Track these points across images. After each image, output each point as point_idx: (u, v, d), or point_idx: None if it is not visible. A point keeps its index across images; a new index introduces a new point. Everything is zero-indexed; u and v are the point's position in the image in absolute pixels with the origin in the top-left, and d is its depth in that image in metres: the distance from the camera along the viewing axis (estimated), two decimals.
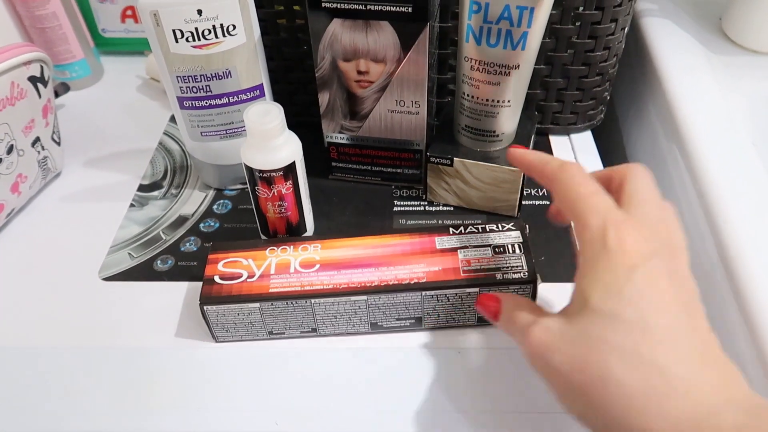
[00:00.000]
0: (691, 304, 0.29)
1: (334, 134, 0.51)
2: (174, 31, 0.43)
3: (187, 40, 0.44)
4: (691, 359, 0.27)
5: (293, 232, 0.47)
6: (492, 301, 0.36)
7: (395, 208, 0.52)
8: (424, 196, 0.53)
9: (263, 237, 0.48)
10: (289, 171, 0.43)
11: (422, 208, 0.52)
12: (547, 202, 0.52)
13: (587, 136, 0.59)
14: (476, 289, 0.40)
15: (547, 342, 0.30)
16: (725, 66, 0.57)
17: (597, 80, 0.54)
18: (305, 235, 0.48)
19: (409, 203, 0.52)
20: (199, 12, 0.43)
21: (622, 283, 0.28)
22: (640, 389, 0.26)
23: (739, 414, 0.25)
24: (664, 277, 0.28)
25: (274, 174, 0.42)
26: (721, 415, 0.25)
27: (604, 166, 0.56)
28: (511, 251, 0.41)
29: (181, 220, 0.52)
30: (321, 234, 0.50)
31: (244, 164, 0.43)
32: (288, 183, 0.43)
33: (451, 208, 0.52)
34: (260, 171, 0.42)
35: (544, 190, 0.53)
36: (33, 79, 0.50)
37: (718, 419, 0.25)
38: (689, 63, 0.57)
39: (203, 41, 0.44)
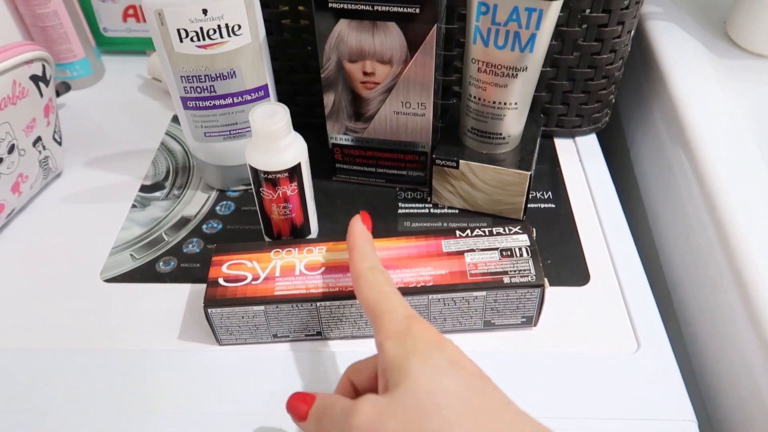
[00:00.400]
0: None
1: (338, 135, 0.51)
2: (179, 30, 0.43)
3: (191, 39, 0.43)
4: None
5: (297, 234, 0.46)
6: (301, 402, 0.33)
7: (400, 210, 0.52)
8: (428, 199, 0.52)
9: (267, 239, 0.47)
10: (294, 172, 0.42)
11: (427, 211, 0.51)
12: (553, 206, 0.52)
13: (592, 138, 0.59)
14: (483, 293, 0.39)
15: (376, 412, 0.28)
16: (729, 69, 0.57)
17: (603, 83, 0.53)
18: (309, 237, 0.47)
19: (413, 205, 0.52)
20: (204, 11, 0.42)
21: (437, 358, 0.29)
22: None
23: None
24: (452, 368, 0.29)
25: (280, 175, 0.42)
26: None
27: (609, 168, 0.56)
28: (518, 255, 0.41)
29: (184, 222, 0.51)
30: (325, 236, 0.49)
31: (249, 165, 0.42)
32: (293, 185, 0.43)
33: (456, 211, 0.51)
34: (265, 172, 0.42)
35: (550, 193, 0.53)
36: (35, 78, 0.49)
37: None
38: (694, 66, 0.57)
39: (208, 41, 0.44)
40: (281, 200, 0.43)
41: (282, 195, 0.43)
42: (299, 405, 0.32)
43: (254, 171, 0.42)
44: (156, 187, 0.55)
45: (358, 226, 0.38)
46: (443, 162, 0.48)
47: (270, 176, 0.42)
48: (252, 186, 0.44)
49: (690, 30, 0.61)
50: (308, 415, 0.31)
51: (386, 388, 0.29)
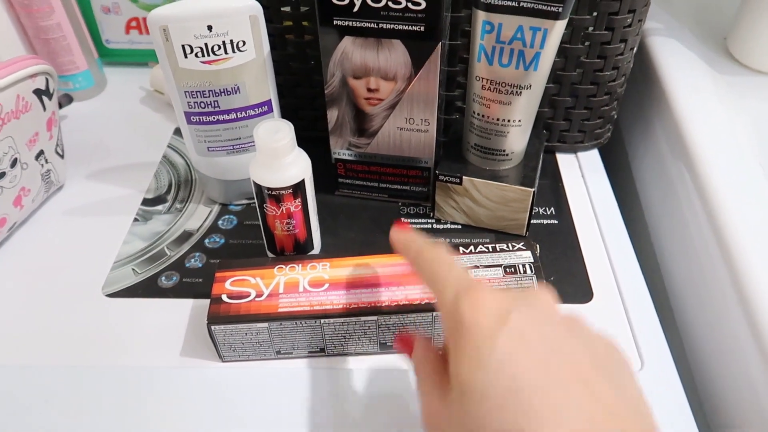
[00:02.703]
0: (574, 352, 0.25)
1: (341, 151, 0.51)
2: (183, 46, 0.43)
3: (196, 55, 0.44)
4: (585, 412, 0.23)
5: (300, 250, 0.46)
6: (406, 341, 0.33)
7: None
8: (431, 214, 0.52)
9: (270, 254, 0.47)
10: (298, 189, 0.42)
11: (430, 226, 0.51)
12: (555, 221, 0.52)
13: (594, 154, 0.59)
14: None
15: (434, 424, 0.27)
16: (730, 86, 0.58)
17: (605, 99, 0.54)
18: (312, 252, 0.47)
19: (416, 221, 0.52)
20: (209, 28, 0.43)
21: (486, 353, 0.24)
22: None
23: None
24: (531, 329, 0.25)
25: (283, 192, 0.42)
26: None
27: (611, 184, 0.56)
28: (522, 272, 0.41)
29: (186, 236, 0.51)
30: (327, 251, 0.49)
31: (253, 181, 0.42)
32: (297, 201, 0.43)
33: (459, 226, 0.51)
34: (269, 189, 0.42)
35: (553, 209, 0.53)
36: (38, 92, 0.49)
37: None
38: (695, 82, 0.57)
39: (212, 57, 0.44)
40: (285, 216, 0.43)
41: (285, 211, 0.43)
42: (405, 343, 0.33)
43: (258, 187, 0.42)
44: (158, 200, 0.55)
45: (397, 234, 0.34)
46: (446, 178, 0.48)
47: (274, 192, 0.42)
48: (255, 201, 0.44)
49: (691, 46, 0.61)
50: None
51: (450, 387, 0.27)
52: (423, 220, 0.52)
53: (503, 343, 0.24)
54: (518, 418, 0.22)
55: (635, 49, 0.52)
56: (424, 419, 0.28)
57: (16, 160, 0.48)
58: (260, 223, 0.45)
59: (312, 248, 0.47)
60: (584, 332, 0.27)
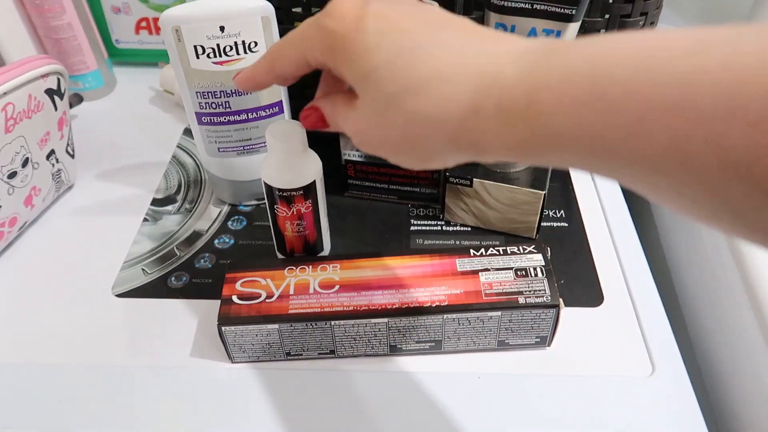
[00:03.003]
0: (433, 13, 0.28)
1: (351, 152, 0.51)
2: (195, 47, 0.43)
3: (208, 56, 0.44)
4: (461, 36, 0.26)
5: (310, 251, 0.46)
6: (313, 112, 0.33)
7: (412, 228, 0.51)
8: (441, 216, 0.52)
9: (279, 255, 0.47)
10: (309, 190, 0.42)
11: (439, 228, 0.51)
12: (566, 224, 0.51)
13: None
14: (498, 313, 0.39)
15: (358, 129, 0.29)
16: None
17: None
18: (321, 254, 0.47)
19: (426, 222, 0.52)
20: (222, 28, 0.43)
21: (361, 38, 0.26)
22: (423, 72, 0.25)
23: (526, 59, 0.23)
24: (391, 9, 0.27)
25: (294, 193, 0.42)
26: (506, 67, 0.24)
27: (622, 187, 0.56)
28: (533, 275, 0.41)
29: (196, 236, 0.51)
30: (337, 252, 0.49)
31: (264, 182, 0.42)
32: (307, 202, 0.43)
33: (469, 229, 0.51)
34: (280, 190, 0.42)
35: (563, 212, 0.53)
36: (50, 92, 0.49)
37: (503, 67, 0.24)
38: None
39: (224, 57, 0.44)
40: (295, 217, 0.43)
41: (296, 212, 0.43)
42: (313, 115, 0.33)
43: (269, 188, 0.42)
44: (168, 200, 0.55)
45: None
46: (457, 180, 0.48)
47: (285, 194, 0.42)
48: (265, 202, 0.44)
49: None
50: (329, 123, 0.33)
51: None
52: (432, 222, 0.52)
53: (371, 22, 0.26)
54: (409, 71, 0.25)
55: None
56: (357, 141, 0.30)
57: (27, 159, 0.48)
58: (270, 223, 0.45)
59: (322, 250, 0.47)
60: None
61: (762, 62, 0.18)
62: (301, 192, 0.42)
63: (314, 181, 0.42)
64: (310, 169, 0.42)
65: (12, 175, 0.47)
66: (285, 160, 0.41)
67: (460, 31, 0.26)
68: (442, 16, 0.27)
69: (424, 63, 0.25)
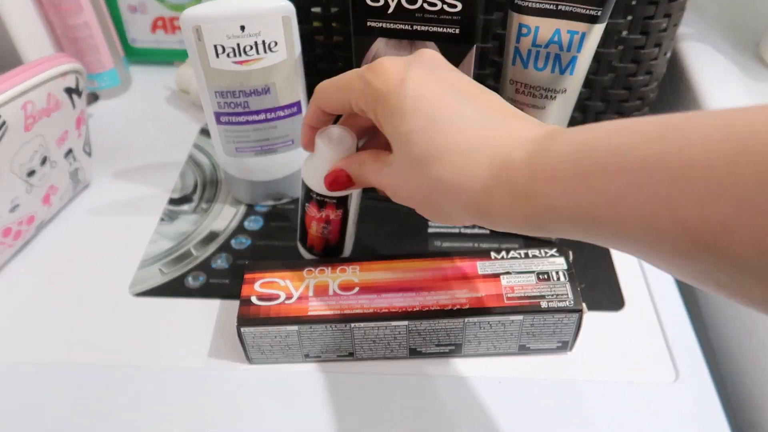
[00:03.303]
0: (465, 83, 0.31)
1: None
2: (215, 46, 0.43)
3: (228, 55, 0.43)
4: (485, 113, 0.30)
5: (329, 252, 0.46)
6: (339, 173, 0.37)
7: (429, 230, 0.51)
8: None
9: (299, 245, 0.47)
10: (343, 202, 0.42)
11: (457, 230, 0.51)
12: None
13: None
14: (520, 317, 0.39)
15: (390, 183, 0.33)
16: (763, 92, 0.57)
17: (637, 104, 0.53)
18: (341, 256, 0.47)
19: (443, 224, 0.51)
20: (242, 28, 0.42)
21: (401, 99, 0.30)
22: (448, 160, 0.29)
23: (533, 142, 0.27)
24: (427, 73, 0.31)
25: (328, 200, 0.41)
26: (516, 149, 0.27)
27: None
28: (555, 279, 0.40)
29: (212, 236, 0.51)
30: (355, 254, 0.49)
31: (302, 180, 0.41)
32: (338, 211, 0.42)
33: (487, 231, 0.51)
34: (316, 193, 0.41)
35: None
36: (68, 91, 0.49)
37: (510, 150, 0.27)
38: (727, 88, 0.56)
39: (244, 57, 0.44)
40: (322, 221, 0.43)
41: (324, 216, 0.42)
42: (341, 177, 0.37)
43: (305, 187, 0.41)
44: (184, 200, 0.55)
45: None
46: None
47: (319, 198, 0.41)
48: (299, 195, 0.43)
49: (723, 51, 0.60)
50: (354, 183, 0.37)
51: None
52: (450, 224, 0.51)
53: (410, 86, 0.30)
54: (436, 139, 0.29)
55: (669, 54, 0.52)
56: (389, 192, 0.34)
57: (45, 158, 0.48)
58: (298, 214, 0.45)
59: (341, 254, 0.46)
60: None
61: (706, 150, 0.20)
62: (335, 201, 0.41)
63: (350, 195, 0.41)
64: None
65: (31, 173, 0.47)
66: (328, 166, 0.39)
67: (487, 107, 0.30)
68: (473, 88, 0.31)
69: (449, 135, 0.29)
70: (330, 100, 0.35)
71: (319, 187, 0.40)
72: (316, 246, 0.45)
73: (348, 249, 0.46)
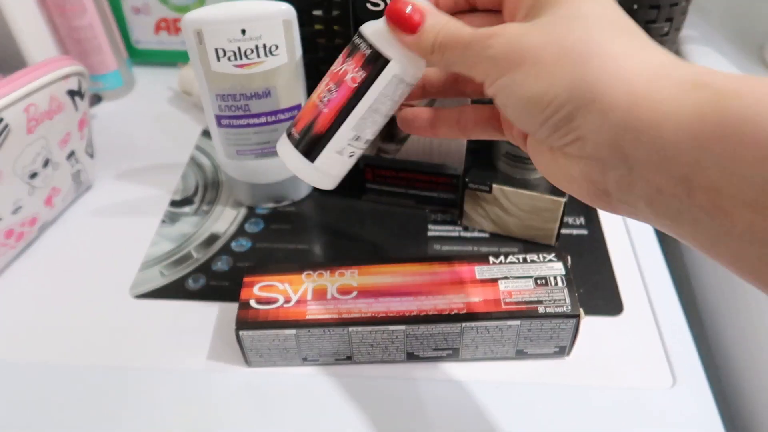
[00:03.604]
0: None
1: (370, 156, 0.51)
2: (216, 49, 0.43)
3: (229, 59, 0.44)
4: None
5: (302, 142, 0.33)
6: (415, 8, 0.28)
7: (429, 233, 0.51)
8: (459, 222, 0.52)
9: (287, 129, 0.34)
10: (375, 61, 0.30)
11: (457, 234, 0.51)
12: (585, 232, 0.51)
13: None
14: (518, 322, 0.39)
15: (520, 31, 0.26)
16: None
17: None
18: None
19: (443, 228, 0.51)
20: (243, 31, 0.42)
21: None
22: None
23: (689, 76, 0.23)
24: None
25: (364, 47, 0.30)
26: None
27: None
28: (553, 284, 0.40)
29: (213, 239, 0.51)
30: (355, 258, 0.49)
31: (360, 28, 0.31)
32: (360, 73, 0.30)
33: (487, 235, 0.51)
34: (361, 36, 0.31)
35: (582, 219, 0.52)
36: (71, 93, 0.50)
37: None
38: None
39: (245, 60, 0.44)
40: (334, 79, 0.31)
41: (341, 73, 0.31)
42: (412, 13, 0.28)
43: (359, 31, 0.31)
44: (185, 202, 0.55)
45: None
46: (476, 186, 0.48)
47: (357, 42, 0.31)
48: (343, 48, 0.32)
49: (727, 55, 0.60)
50: (421, 31, 0.28)
51: (526, 16, 0.27)
52: (450, 227, 0.51)
53: None
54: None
55: None
56: (504, 47, 0.26)
57: (48, 160, 0.49)
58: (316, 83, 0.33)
59: (312, 158, 0.33)
60: None
61: None
62: (369, 52, 0.30)
63: (391, 62, 0.30)
64: (400, 51, 0.30)
65: (33, 175, 0.47)
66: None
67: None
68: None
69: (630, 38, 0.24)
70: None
71: (372, 27, 0.30)
72: (297, 124, 0.33)
73: (325, 169, 0.33)
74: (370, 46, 0.30)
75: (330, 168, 0.34)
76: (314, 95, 0.33)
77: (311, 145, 0.33)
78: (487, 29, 0.26)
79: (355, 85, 0.31)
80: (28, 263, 0.50)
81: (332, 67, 0.32)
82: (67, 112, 0.50)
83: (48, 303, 0.47)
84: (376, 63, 0.30)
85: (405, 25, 0.28)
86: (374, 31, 0.30)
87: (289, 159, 0.34)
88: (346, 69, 0.31)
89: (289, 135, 0.34)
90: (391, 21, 0.29)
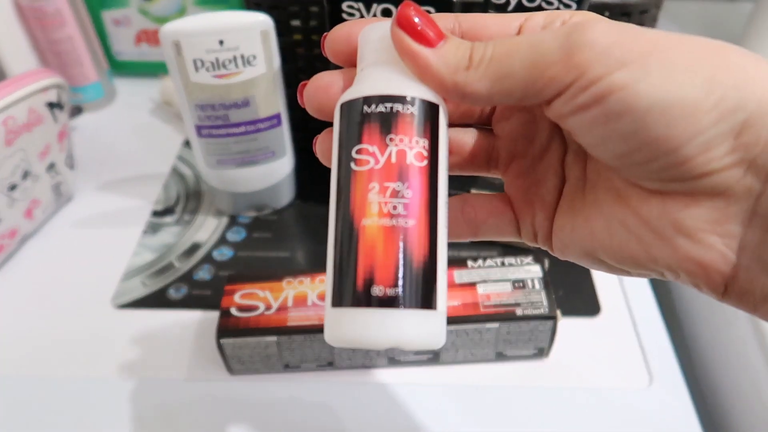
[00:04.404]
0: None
1: None
2: (195, 60, 0.43)
3: (207, 69, 0.44)
4: None
5: (414, 285, 0.19)
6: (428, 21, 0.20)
7: None
8: None
9: (330, 302, 0.20)
10: (430, 117, 0.21)
11: None
12: None
13: None
14: (496, 325, 0.39)
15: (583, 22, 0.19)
16: None
17: None
18: (437, 305, 0.20)
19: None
20: (221, 42, 0.43)
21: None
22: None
23: None
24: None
25: (402, 109, 0.20)
26: None
27: None
28: (531, 286, 0.41)
29: (195, 248, 0.51)
30: None
31: (340, 106, 0.22)
32: (423, 142, 0.21)
33: (465, 240, 0.51)
34: (370, 98, 0.21)
35: None
36: (50, 105, 0.50)
37: None
38: None
39: (223, 71, 0.44)
40: (392, 174, 0.20)
41: (396, 159, 0.20)
42: (431, 26, 0.20)
43: (348, 108, 0.21)
44: (167, 212, 0.55)
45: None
46: (453, 192, 0.48)
47: (380, 109, 0.20)
48: (333, 155, 0.22)
49: None
50: (448, 37, 0.20)
51: None
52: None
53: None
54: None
55: None
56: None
57: (27, 172, 0.49)
58: (331, 206, 0.21)
59: (432, 292, 0.20)
60: None
61: None
62: (419, 111, 0.21)
63: (438, 106, 0.21)
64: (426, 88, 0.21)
65: (12, 187, 0.47)
66: (387, 65, 0.21)
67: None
68: None
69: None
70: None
71: (379, 85, 0.21)
72: (379, 277, 0.19)
73: (443, 291, 0.21)
74: (403, 100, 0.20)
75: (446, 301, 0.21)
76: (368, 220, 0.20)
77: (425, 284, 0.20)
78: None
79: (426, 161, 0.21)
80: (8, 276, 0.50)
81: (357, 167, 0.20)
82: (47, 124, 0.50)
83: (29, 314, 0.47)
84: (427, 117, 0.21)
85: (422, 37, 0.20)
86: (389, 80, 0.21)
87: (397, 331, 0.19)
88: (400, 151, 0.20)
89: (376, 298, 0.19)
90: (404, 32, 0.20)
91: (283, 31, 0.51)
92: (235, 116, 0.47)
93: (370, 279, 0.19)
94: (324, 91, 0.23)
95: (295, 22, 0.51)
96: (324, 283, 0.42)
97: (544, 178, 0.24)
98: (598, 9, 0.47)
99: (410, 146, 0.20)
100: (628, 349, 0.43)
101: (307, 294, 0.41)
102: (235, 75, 0.45)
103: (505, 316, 0.39)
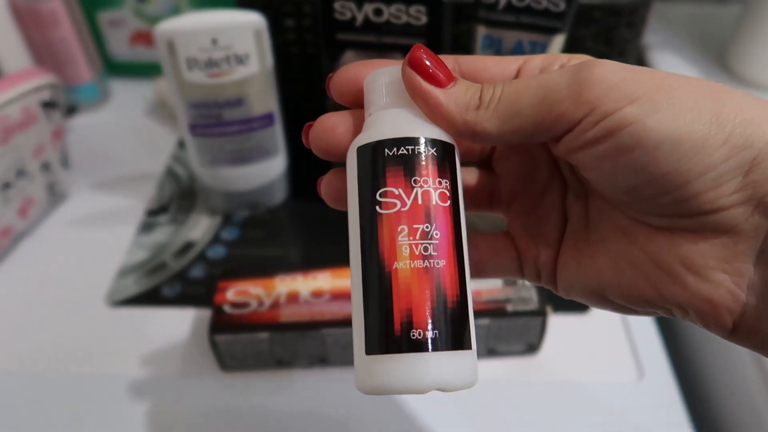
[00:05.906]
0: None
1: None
2: (188, 59, 0.44)
3: (200, 68, 0.44)
4: None
5: (448, 326, 0.20)
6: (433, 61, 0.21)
7: None
8: None
9: (364, 348, 0.21)
10: (448, 157, 0.22)
11: None
12: None
13: None
14: (487, 321, 0.40)
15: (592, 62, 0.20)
16: None
17: None
18: (467, 345, 0.21)
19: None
20: (214, 41, 0.43)
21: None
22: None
23: None
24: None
25: (424, 151, 0.21)
26: None
27: None
28: (521, 282, 0.41)
29: (188, 246, 0.52)
30: (329, 262, 0.49)
31: (358, 149, 0.22)
32: (445, 182, 0.21)
33: None
34: (390, 141, 0.21)
35: None
36: (44, 105, 0.50)
37: None
38: None
39: (217, 70, 0.45)
40: (420, 216, 0.20)
41: (423, 203, 0.21)
42: (441, 68, 0.21)
43: (368, 152, 0.21)
44: (161, 211, 0.55)
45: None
46: None
47: (402, 151, 0.21)
48: (351, 199, 0.22)
49: (691, 60, 0.62)
50: (449, 85, 0.21)
51: None
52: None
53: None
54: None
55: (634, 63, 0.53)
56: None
57: (21, 171, 0.49)
58: (353, 250, 0.22)
59: (465, 330, 0.20)
60: None
61: None
62: (435, 151, 0.21)
63: (454, 147, 0.22)
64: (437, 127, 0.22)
65: (6, 186, 0.47)
66: (399, 108, 0.22)
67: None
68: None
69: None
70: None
71: (405, 129, 0.21)
72: (417, 314, 0.20)
73: (473, 337, 0.21)
74: (423, 142, 0.21)
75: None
76: (400, 263, 0.20)
77: (460, 325, 0.20)
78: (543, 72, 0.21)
79: (449, 201, 0.21)
80: (2, 274, 0.50)
81: (383, 211, 0.20)
82: (41, 123, 0.50)
83: (24, 313, 0.47)
84: (446, 158, 0.21)
85: (433, 78, 0.21)
86: (404, 123, 0.22)
87: (438, 373, 0.20)
88: (425, 192, 0.20)
89: (415, 342, 0.19)
90: (416, 73, 0.21)
91: (277, 30, 0.51)
92: (228, 115, 0.47)
93: (408, 323, 0.19)
94: (331, 132, 0.23)
95: (289, 22, 0.51)
96: (315, 279, 0.42)
97: (547, 216, 0.24)
98: (588, 10, 0.48)
99: (434, 187, 0.21)
100: (618, 345, 0.43)
101: (299, 291, 0.41)
102: (229, 74, 0.45)
103: (495, 312, 0.40)
